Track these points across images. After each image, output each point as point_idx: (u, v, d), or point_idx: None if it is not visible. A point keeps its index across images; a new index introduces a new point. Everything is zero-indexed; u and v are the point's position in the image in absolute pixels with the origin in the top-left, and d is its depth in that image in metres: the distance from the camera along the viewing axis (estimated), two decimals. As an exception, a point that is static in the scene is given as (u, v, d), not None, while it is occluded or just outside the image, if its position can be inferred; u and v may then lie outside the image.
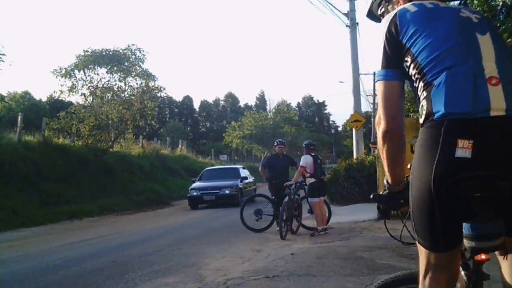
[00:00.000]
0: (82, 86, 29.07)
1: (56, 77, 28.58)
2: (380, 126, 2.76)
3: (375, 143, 20.85)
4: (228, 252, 11.32)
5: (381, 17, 3.17)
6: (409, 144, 15.70)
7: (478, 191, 2.45)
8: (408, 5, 2.85)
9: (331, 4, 38.56)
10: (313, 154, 14.28)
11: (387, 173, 2.87)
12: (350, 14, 26.09)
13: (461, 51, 2.60)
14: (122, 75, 29.49)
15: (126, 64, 29.39)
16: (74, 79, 28.83)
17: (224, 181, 26.74)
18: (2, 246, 13.86)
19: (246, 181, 29.70)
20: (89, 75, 29.17)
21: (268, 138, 59.78)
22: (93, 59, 28.82)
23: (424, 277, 2.71)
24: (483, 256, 2.60)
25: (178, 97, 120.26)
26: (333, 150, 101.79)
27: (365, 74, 55.86)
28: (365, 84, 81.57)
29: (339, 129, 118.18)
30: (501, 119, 2.40)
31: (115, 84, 29.47)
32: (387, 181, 2.92)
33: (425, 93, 2.62)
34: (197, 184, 27.35)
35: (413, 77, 2.74)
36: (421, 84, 2.66)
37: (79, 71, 28.82)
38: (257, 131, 63.28)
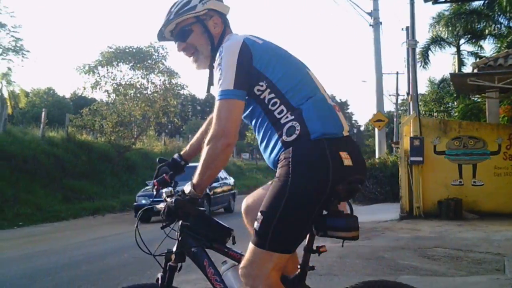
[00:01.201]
0: (106, 83, 29.17)
1: (80, 73, 28.72)
2: (222, 140, 2.88)
3: (397, 143, 20.79)
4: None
5: (178, 37, 3.31)
6: (432, 144, 15.71)
7: (355, 191, 3.15)
8: (250, 36, 3.13)
9: (355, 3, 38.27)
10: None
11: (204, 182, 3.00)
12: (374, 14, 26.01)
13: (310, 83, 3.12)
14: (145, 72, 29.55)
15: (149, 61, 29.43)
16: (98, 76, 28.93)
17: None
18: (25, 241, 13.95)
19: (218, 183, 21.83)
20: (112, 72, 29.27)
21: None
22: (116, 56, 28.91)
23: (267, 278, 2.87)
24: (325, 248, 3.08)
25: (201, 95, 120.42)
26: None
27: (388, 73, 55.62)
28: (388, 83, 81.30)
29: (361, 128, 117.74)
30: (347, 137, 3.11)
31: (138, 81, 29.54)
32: (197, 189, 3.02)
33: (292, 116, 2.96)
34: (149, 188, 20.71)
35: (266, 100, 3.02)
36: (283, 107, 2.99)
37: (102, 67, 28.92)
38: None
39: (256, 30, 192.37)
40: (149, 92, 29.94)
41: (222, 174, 23.46)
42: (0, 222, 16.99)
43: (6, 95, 38.31)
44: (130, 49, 29.28)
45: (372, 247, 10.76)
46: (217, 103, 2.93)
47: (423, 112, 36.08)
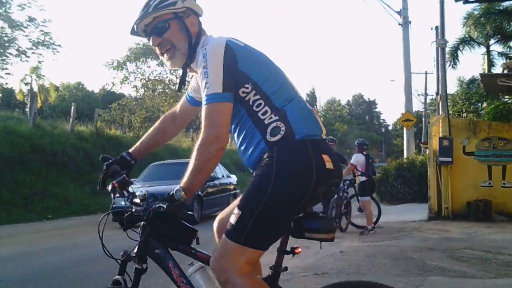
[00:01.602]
0: (135, 79, 29.36)
1: (109, 69, 28.97)
2: (215, 144, 2.90)
3: (426, 143, 20.70)
4: (277, 248, 11.30)
5: (152, 34, 3.25)
6: (461, 144, 15.60)
7: (330, 194, 3.27)
8: (231, 39, 3.12)
9: (384, 2, 38.11)
10: (365, 153, 14.23)
11: (196, 186, 2.97)
12: (403, 12, 25.89)
13: (290, 87, 3.23)
14: (173, 68, 29.63)
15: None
16: (126, 71, 29.13)
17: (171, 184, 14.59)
18: (54, 234, 14.08)
19: (214, 183, 19.61)
20: (140, 68, 29.43)
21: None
22: (144, 52, 29.05)
23: (240, 270, 2.90)
24: (299, 249, 3.18)
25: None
26: (382, 148, 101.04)
27: (417, 73, 55.25)
28: (417, 83, 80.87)
29: (389, 128, 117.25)
30: (325, 140, 3.22)
31: (167, 77, 29.66)
32: (187, 193, 2.94)
33: (276, 117, 3.03)
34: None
35: (251, 102, 3.06)
36: (267, 108, 3.05)
37: (131, 63, 29.09)
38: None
39: (283, 27, 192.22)
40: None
41: (221, 172, 21.26)
42: (29, 214, 17.15)
43: (36, 89, 38.68)
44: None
45: (400, 247, 10.73)
46: (206, 107, 2.92)
47: (452, 112, 35.89)
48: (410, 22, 26.20)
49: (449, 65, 36.03)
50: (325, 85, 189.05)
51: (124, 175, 3.37)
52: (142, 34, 3.30)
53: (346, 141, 64.67)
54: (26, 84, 38.76)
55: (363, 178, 13.85)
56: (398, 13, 25.92)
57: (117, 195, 3.39)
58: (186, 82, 3.52)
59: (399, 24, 25.92)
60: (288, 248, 3.15)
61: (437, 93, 19.53)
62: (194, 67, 3.24)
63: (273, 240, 3.05)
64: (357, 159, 13.98)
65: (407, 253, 9.95)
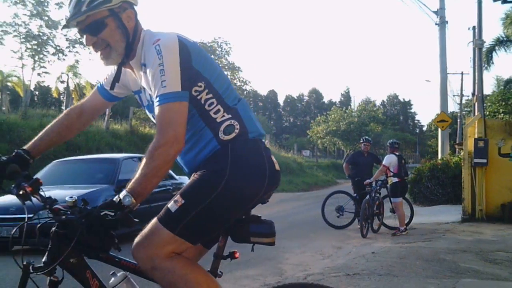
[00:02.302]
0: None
1: (144, 67, 29.13)
2: (175, 145, 2.75)
3: (461, 144, 20.53)
4: (308, 248, 11.32)
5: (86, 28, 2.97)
6: (496, 146, 15.45)
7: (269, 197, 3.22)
8: (180, 34, 3.02)
9: (421, 1, 37.79)
10: (397, 153, 14.16)
11: (148, 191, 2.75)
12: (440, 12, 25.69)
13: (232, 86, 3.17)
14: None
15: (212, 56, 29.58)
16: (161, 69, 29.30)
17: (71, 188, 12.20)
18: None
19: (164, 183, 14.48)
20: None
21: (354, 136, 59.33)
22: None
23: (172, 258, 2.80)
24: (238, 254, 3.11)
25: (263, 91, 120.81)
26: (417, 149, 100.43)
27: (453, 73, 54.79)
28: (452, 84, 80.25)
29: (424, 128, 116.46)
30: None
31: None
32: (138, 199, 2.70)
33: (229, 115, 2.99)
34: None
35: (203, 101, 2.96)
36: (220, 107, 2.99)
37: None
38: (343, 127, 62.84)
39: (318, 27, 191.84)
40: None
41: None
42: (64, 211, 17.30)
43: (72, 87, 39.07)
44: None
45: (433, 249, 10.66)
46: (163, 106, 2.77)
47: (488, 113, 35.54)
48: (447, 22, 26.00)
49: (484, 66, 35.64)
50: (360, 85, 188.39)
51: (37, 177, 2.93)
52: (75, 26, 3.04)
53: (379, 141, 64.41)
54: (62, 82, 39.21)
55: (395, 179, 13.78)
56: (435, 12, 25.74)
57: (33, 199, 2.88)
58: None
59: (436, 24, 25.74)
60: (226, 253, 3.08)
61: (473, 94, 19.35)
62: (134, 64, 3.07)
63: (207, 237, 3.02)
64: (389, 160, 13.91)
65: (440, 255, 9.89)
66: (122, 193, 2.67)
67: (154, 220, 2.85)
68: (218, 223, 2.93)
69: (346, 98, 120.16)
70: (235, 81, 29.33)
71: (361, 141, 15.94)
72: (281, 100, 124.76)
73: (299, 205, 23.96)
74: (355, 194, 14.84)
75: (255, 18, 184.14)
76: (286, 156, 49.69)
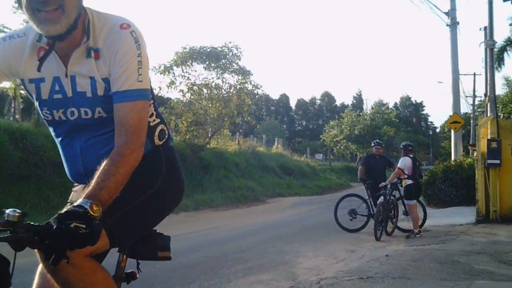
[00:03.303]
0: (180, 83, 29.48)
1: (156, 73, 29.13)
2: (139, 151, 2.51)
3: (474, 145, 20.44)
4: (321, 252, 11.30)
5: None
6: (510, 146, 15.38)
7: None
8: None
9: (431, 3, 37.75)
10: (411, 156, 14.12)
11: (113, 198, 2.41)
12: (451, 13, 25.64)
13: None
14: (220, 72, 29.74)
15: (223, 61, 29.63)
16: (173, 76, 29.28)
17: None
18: (101, 238, 14.21)
19: None
20: (187, 72, 29.56)
21: (367, 139, 59.22)
22: (191, 56, 29.20)
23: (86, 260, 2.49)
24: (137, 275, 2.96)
25: (275, 95, 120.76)
26: (430, 151, 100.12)
27: (465, 74, 54.60)
28: (465, 85, 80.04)
29: (437, 130, 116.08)
30: None
31: (213, 81, 29.77)
32: (104, 207, 2.34)
33: (159, 119, 2.87)
34: None
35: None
36: (153, 110, 2.82)
37: (177, 67, 29.25)
38: (357, 131, 62.75)
39: (329, 30, 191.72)
40: (224, 92, 30.15)
41: None
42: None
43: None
44: (204, 49, 29.54)
45: (447, 251, 10.63)
46: (138, 104, 2.53)
47: (501, 114, 35.37)
48: (458, 23, 25.94)
49: (495, 67, 35.48)
50: (372, 87, 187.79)
51: None
52: None
53: (392, 144, 64.29)
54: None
55: (410, 182, 13.74)
56: (446, 14, 25.69)
57: None
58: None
59: (447, 25, 25.70)
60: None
61: (485, 95, 19.27)
62: (69, 43, 2.58)
63: (127, 242, 2.76)
64: (404, 162, 13.87)
65: (454, 257, 9.85)
66: (83, 201, 2.29)
67: None
68: (142, 228, 2.76)
69: (358, 101, 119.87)
70: (246, 85, 29.24)
71: (373, 144, 15.91)
72: (293, 104, 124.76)
73: (312, 208, 23.94)
74: (368, 197, 14.82)
75: (266, 22, 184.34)
76: (299, 159, 49.65)
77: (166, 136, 2.90)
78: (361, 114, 68.03)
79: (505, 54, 35.40)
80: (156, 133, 2.82)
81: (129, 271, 2.89)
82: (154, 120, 2.82)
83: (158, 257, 2.85)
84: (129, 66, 2.53)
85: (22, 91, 36.16)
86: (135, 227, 2.70)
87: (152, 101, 2.77)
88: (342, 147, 65.05)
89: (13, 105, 35.13)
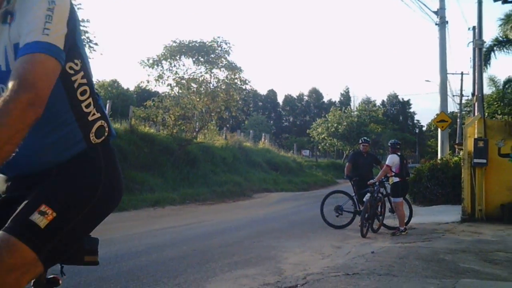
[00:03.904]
0: (168, 77, 29.41)
1: (144, 67, 29.03)
2: (33, 109, 2.01)
3: (461, 144, 20.52)
4: (307, 247, 11.32)
5: None
6: (496, 146, 15.44)
7: None
8: None
9: (421, 1, 37.85)
10: (399, 153, 14.16)
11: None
12: (440, 12, 25.69)
13: None
14: (209, 67, 29.69)
15: (212, 56, 29.57)
16: (161, 70, 29.20)
17: None
18: (87, 230, 14.16)
19: None
20: (175, 66, 29.49)
21: (353, 136, 59.28)
22: (179, 50, 29.13)
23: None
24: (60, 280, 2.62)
25: (263, 91, 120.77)
26: (416, 149, 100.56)
27: (453, 73, 54.82)
28: (453, 83, 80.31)
29: (423, 128, 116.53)
30: None
31: (201, 76, 29.71)
32: None
33: (99, 114, 2.54)
34: None
35: (76, 84, 2.41)
36: (91, 100, 2.49)
37: (166, 61, 29.17)
38: (342, 128, 62.81)
39: (317, 26, 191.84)
40: (212, 87, 30.10)
41: None
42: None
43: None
44: (193, 43, 29.47)
45: (433, 249, 10.68)
46: (38, 56, 2.09)
47: (487, 113, 35.48)
48: (447, 22, 25.99)
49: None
50: (360, 85, 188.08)
51: None
52: None
53: (379, 141, 64.43)
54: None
55: (397, 179, 13.80)
56: (435, 13, 25.74)
57: None
58: None
59: (436, 24, 25.75)
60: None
61: (472, 94, 19.34)
62: None
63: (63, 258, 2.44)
64: (392, 160, 13.90)
65: (440, 255, 9.90)
66: None
67: (5, 233, 2.15)
68: (80, 240, 2.47)
69: (346, 98, 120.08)
70: (235, 81, 29.19)
71: (360, 141, 15.94)
72: (280, 99, 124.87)
73: (298, 204, 23.97)
74: (354, 194, 14.85)
75: (255, 18, 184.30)
76: (286, 155, 49.69)
77: (106, 134, 2.57)
78: (346, 111, 68.08)
79: (492, 54, 35.43)
80: (93, 129, 2.49)
81: (51, 276, 2.59)
82: (92, 114, 2.50)
83: (84, 261, 2.54)
84: (36, 17, 2.16)
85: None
86: (72, 245, 2.41)
87: (87, 86, 2.47)
88: (327, 144, 65.15)
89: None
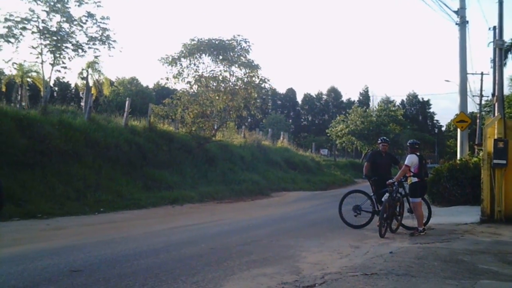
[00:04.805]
0: (188, 75, 29.44)
1: (163, 64, 29.08)
2: None
3: (480, 144, 20.40)
4: (325, 247, 11.30)
5: None
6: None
7: None
8: None
9: (441, 1, 37.61)
10: (418, 153, 14.06)
11: None
12: (460, 12, 25.49)
13: None
14: (227, 65, 29.66)
15: (231, 54, 29.53)
16: (180, 67, 29.22)
17: None
18: (106, 227, 14.23)
19: None
20: (194, 64, 29.51)
21: (372, 135, 59.05)
22: (198, 48, 29.14)
23: None
24: None
25: (282, 90, 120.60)
26: (435, 150, 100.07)
27: (473, 73, 54.46)
28: (472, 84, 79.65)
29: (443, 128, 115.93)
30: None
31: (220, 74, 29.71)
32: None
33: None
34: None
35: None
36: None
37: (185, 59, 29.19)
38: (362, 127, 62.59)
39: (337, 25, 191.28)
40: (231, 85, 30.08)
41: None
42: (82, 207, 17.35)
43: (91, 83, 39.23)
44: (212, 41, 29.46)
45: (451, 250, 10.63)
46: None
47: (508, 114, 35.29)
48: (467, 21, 25.80)
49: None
50: (379, 84, 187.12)
51: None
52: None
53: (398, 141, 64.10)
54: (82, 78, 39.39)
55: (415, 179, 13.70)
56: (456, 12, 25.54)
57: None
58: None
59: (456, 23, 25.56)
60: None
61: (493, 95, 19.19)
62: None
63: None
64: (411, 159, 13.81)
65: (458, 256, 9.86)
66: None
67: None
68: None
69: (365, 97, 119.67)
70: (254, 78, 29.16)
71: (379, 141, 15.80)
72: (299, 98, 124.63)
73: (316, 203, 23.93)
74: (372, 194, 14.78)
75: (275, 16, 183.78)
76: (304, 154, 49.64)
77: None
78: (367, 110, 67.80)
79: (509, 54, 35.23)
80: None
81: None
82: None
83: None
84: None
85: (29, 79, 36.30)
86: None
87: None
88: (345, 142, 64.97)
89: (20, 93, 35.18)
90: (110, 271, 8.34)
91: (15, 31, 26.12)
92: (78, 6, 27.40)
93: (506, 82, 47.18)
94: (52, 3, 26.50)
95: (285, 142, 49.35)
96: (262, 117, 65.84)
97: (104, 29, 28.10)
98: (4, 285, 7.39)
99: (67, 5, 26.95)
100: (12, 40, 26.12)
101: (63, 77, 71.26)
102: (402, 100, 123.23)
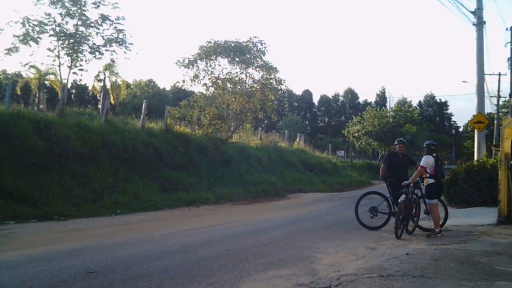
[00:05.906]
0: (204, 77, 29.50)
1: (179, 67, 29.16)
2: None
3: (497, 145, 20.30)
4: (341, 248, 11.29)
5: None
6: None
7: None
8: None
9: (458, 1, 37.50)
10: (434, 155, 14.00)
11: None
12: (477, 12, 25.42)
13: None
14: (244, 67, 29.69)
15: (247, 56, 29.54)
16: (197, 70, 29.29)
17: None
18: (123, 229, 14.27)
19: None
20: (210, 66, 29.57)
21: (389, 136, 58.93)
22: (215, 50, 29.19)
23: None
24: None
25: (298, 91, 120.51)
26: (452, 151, 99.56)
27: (490, 74, 54.19)
28: (490, 84, 79.30)
29: (460, 129, 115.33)
30: None
31: (236, 76, 29.74)
32: None
33: None
34: None
35: None
36: None
37: (201, 61, 29.26)
38: (378, 128, 62.49)
39: (354, 26, 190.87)
40: (247, 87, 30.12)
41: None
42: (98, 209, 17.42)
43: (108, 86, 39.36)
44: (229, 43, 29.51)
45: (468, 251, 10.58)
46: None
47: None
48: (484, 22, 25.71)
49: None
50: (396, 85, 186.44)
51: None
52: None
53: (415, 142, 63.92)
54: (99, 81, 39.55)
55: (431, 181, 13.65)
56: (473, 13, 25.47)
57: None
58: None
59: (473, 24, 25.48)
60: None
61: (510, 95, 19.16)
62: None
63: None
64: (427, 161, 13.76)
65: (475, 257, 9.82)
66: None
67: None
68: None
69: (382, 98, 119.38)
70: (271, 81, 29.17)
71: (396, 142, 15.75)
72: (316, 100, 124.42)
73: (333, 205, 23.91)
74: (389, 195, 14.75)
75: (291, 18, 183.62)
76: (321, 156, 49.63)
77: None
78: (383, 109, 67.64)
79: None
80: None
81: None
82: None
83: None
84: None
85: (46, 82, 36.50)
86: None
87: None
88: (363, 143, 64.88)
89: (37, 95, 35.38)
90: (126, 273, 8.37)
91: (33, 34, 26.35)
92: (96, 8, 27.62)
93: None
94: (68, 5, 26.70)
95: (302, 143, 49.34)
96: (279, 119, 65.87)
97: (120, 30, 28.27)
98: (22, 286, 7.45)
99: (84, 8, 27.15)
100: (31, 43, 26.35)
101: (80, 80, 71.75)
102: (420, 101, 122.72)
